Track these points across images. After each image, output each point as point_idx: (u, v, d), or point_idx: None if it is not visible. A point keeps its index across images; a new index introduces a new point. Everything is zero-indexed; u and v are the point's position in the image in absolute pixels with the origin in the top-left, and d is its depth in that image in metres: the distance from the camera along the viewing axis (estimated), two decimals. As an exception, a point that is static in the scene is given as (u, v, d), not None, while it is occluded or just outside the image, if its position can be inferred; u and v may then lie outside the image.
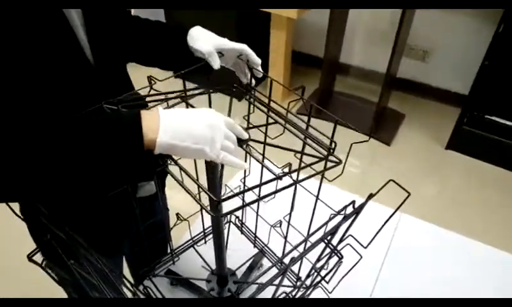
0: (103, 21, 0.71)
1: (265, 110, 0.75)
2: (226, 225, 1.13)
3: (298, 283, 1.00)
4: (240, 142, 0.64)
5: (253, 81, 0.85)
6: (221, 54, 0.82)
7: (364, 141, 0.67)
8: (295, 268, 1.02)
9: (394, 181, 0.60)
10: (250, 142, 0.68)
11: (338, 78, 3.09)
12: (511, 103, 2.38)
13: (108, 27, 0.73)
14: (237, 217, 1.17)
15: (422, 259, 1.14)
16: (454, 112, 2.68)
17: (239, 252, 1.08)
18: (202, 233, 1.12)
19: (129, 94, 0.69)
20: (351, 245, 0.68)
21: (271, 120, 0.76)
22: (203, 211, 1.02)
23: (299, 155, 0.71)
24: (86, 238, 0.66)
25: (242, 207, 0.62)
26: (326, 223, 0.66)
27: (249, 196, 1.09)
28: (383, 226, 0.62)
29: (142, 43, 0.86)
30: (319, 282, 0.77)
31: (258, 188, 0.97)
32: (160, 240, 1.04)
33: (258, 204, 1.04)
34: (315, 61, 3.18)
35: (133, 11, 0.90)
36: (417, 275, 1.10)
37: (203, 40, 0.81)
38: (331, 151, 0.66)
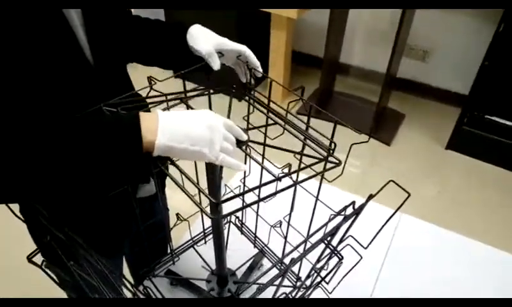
0: (103, 21, 0.71)
1: (265, 111, 0.75)
2: (226, 225, 1.13)
3: (298, 283, 0.99)
4: (240, 143, 0.64)
5: (253, 81, 0.85)
6: (220, 54, 0.81)
7: (364, 142, 0.67)
8: (295, 268, 1.02)
9: (394, 182, 0.60)
10: (250, 143, 0.68)
11: (338, 78, 3.09)
12: (511, 103, 2.38)
13: (108, 27, 0.73)
14: (237, 217, 1.17)
15: (422, 259, 1.14)
16: (454, 112, 2.68)
17: (239, 252, 1.08)
18: (202, 233, 1.12)
19: (129, 94, 0.69)
20: (351, 246, 0.68)
21: (270, 121, 0.76)
22: (205, 207, 1.02)
23: (299, 156, 0.70)
24: (86, 238, 0.66)
25: (242, 209, 0.62)
26: (326, 224, 0.66)
27: (249, 196, 1.09)
28: (382, 226, 0.62)
29: (142, 42, 0.86)
30: (319, 283, 0.77)
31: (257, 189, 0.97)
32: (160, 240, 1.04)
33: (258, 205, 1.03)
34: (315, 61, 3.17)
35: (133, 11, 0.89)
36: (417, 276, 1.10)
37: (203, 40, 0.80)
38: (331, 152, 0.66)
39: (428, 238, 1.21)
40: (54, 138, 0.52)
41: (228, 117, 0.77)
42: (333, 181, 0.74)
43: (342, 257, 0.72)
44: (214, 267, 0.98)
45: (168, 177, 0.99)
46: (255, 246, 1.12)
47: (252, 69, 0.83)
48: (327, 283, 0.77)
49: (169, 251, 1.05)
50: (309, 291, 0.79)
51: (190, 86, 0.75)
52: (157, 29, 0.86)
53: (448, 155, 2.64)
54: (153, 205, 1.00)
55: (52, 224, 0.62)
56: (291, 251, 0.63)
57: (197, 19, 0.92)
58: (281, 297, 0.73)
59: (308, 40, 3.27)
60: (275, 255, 1.08)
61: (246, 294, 0.99)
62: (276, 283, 0.63)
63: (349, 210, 0.64)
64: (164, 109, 0.71)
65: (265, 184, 0.60)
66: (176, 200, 1.23)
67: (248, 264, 1.06)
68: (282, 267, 1.03)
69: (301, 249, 0.81)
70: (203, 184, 0.73)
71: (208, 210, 0.90)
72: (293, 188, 0.66)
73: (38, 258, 0.58)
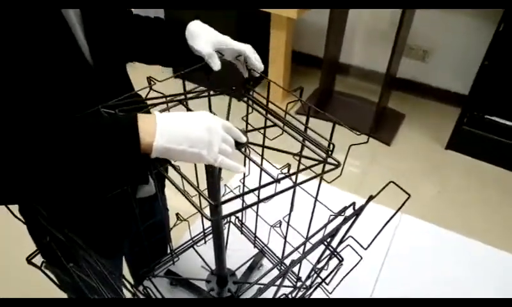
0: (101, 21, 0.71)
1: (264, 112, 0.75)
2: (226, 225, 1.13)
3: (298, 284, 0.99)
4: (239, 145, 0.64)
5: (255, 73, 0.84)
6: (220, 53, 0.81)
7: (363, 143, 0.67)
8: (295, 268, 1.02)
9: (394, 183, 0.60)
10: (249, 144, 0.67)
11: (338, 78, 3.09)
12: (511, 103, 2.38)
13: (107, 27, 0.73)
14: (237, 217, 1.17)
15: (422, 259, 1.14)
16: (454, 112, 2.68)
17: (238, 252, 1.08)
18: (202, 233, 1.11)
19: (128, 95, 0.69)
20: (351, 247, 0.68)
21: (269, 122, 0.76)
22: (204, 211, 1.02)
23: (298, 157, 0.70)
24: (85, 238, 0.66)
25: (242, 210, 0.62)
26: (326, 225, 0.66)
27: (249, 197, 1.09)
28: (382, 228, 0.62)
29: (141, 41, 0.85)
30: (320, 284, 0.77)
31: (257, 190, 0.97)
32: (160, 240, 1.04)
33: (258, 206, 1.03)
34: (315, 60, 3.17)
35: (133, 10, 0.89)
36: (417, 276, 1.10)
37: (203, 39, 0.79)
38: (330, 153, 0.65)
39: (428, 238, 1.20)
40: (52, 139, 0.52)
41: (228, 118, 0.77)
42: (333, 181, 0.74)
43: (342, 259, 0.72)
44: (213, 267, 0.98)
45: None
46: (254, 246, 1.12)
47: (251, 70, 0.83)
48: (327, 284, 0.77)
49: (169, 251, 1.05)
50: (309, 292, 0.79)
51: (190, 85, 0.75)
52: (156, 27, 0.85)
53: (448, 155, 2.64)
54: (153, 205, 1.00)
55: (52, 225, 0.62)
56: (291, 252, 0.63)
57: (197, 19, 0.91)
58: (282, 297, 0.73)
59: (308, 40, 3.27)
60: (275, 255, 1.08)
61: (246, 294, 0.99)
62: (277, 283, 0.63)
63: (349, 211, 0.63)
64: (163, 110, 0.71)
65: (265, 186, 0.60)
66: (176, 200, 1.23)
67: (247, 264, 1.06)
68: (282, 268, 1.03)
69: (301, 249, 0.81)
70: (204, 185, 0.73)
71: (207, 210, 0.90)
72: (292, 189, 0.66)
73: (38, 259, 0.58)
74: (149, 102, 0.71)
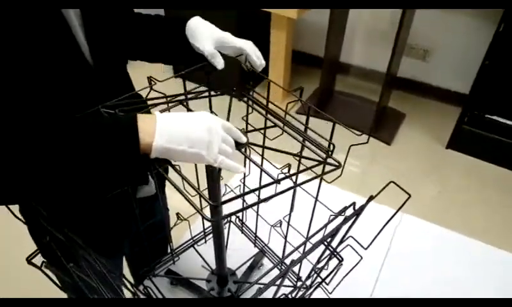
0: (102, 21, 0.71)
1: (264, 112, 0.75)
2: (227, 225, 1.13)
3: (298, 283, 0.99)
4: (239, 145, 0.64)
5: (258, 68, 0.83)
6: (221, 52, 0.80)
7: (363, 143, 0.67)
8: (295, 268, 1.02)
9: (395, 183, 0.60)
10: (250, 143, 0.67)
11: (339, 78, 3.09)
12: (511, 103, 2.38)
13: (107, 27, 0.73)
14: (238, 217, 1.17)
15: (423, 259, 1.14)
16: (454, 112, 2.68)
17: (239, 251, 1.08)
18: (202, 233, 1.12)
19: (129, 95, 0.69)
20: (351, 246, 0.68)
21: (269, 122, 0.76)
22: (204, 211, 1.02)
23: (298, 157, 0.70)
24: (86, 238, 0.66)
25: (242, 210, 0.62)
26: (326, 225, 0.66)
27: (249, 196, 1.09)
28: (382, 228, 0.62)
29: (142, 39, 0.85)
30: (320, 284, 0.77)
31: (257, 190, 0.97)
32: (161, 240, 1.04)
33: (258, 206, 1.03)
34: (316, 60, 3.17)
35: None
36: (418, 275, 1.10)
37: (204, 37, 0.79)
38: (330, 153, 0.65)
39: (428, 237, 1.20)
40: (52, 139, 0.52)
41: (228, 118, 0.77)
42: (333, 181, 0.74)
43: (342, 259, 0.72)
44: (214, 266, 0.98)
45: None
46: (255, 246, 1.12)
47: (250, 70, 0.82)
48: (327, 284, 0.77)
49: (169, 250, 1.05)
50: (309, 292, 0.79)
51: (190, 85, 0.75)
52: (157, 25, 0.85)
53: (448, 154, 2.64)
54: (153, 205, 1.00)
55: (52, 225, 0.62)
56: (291, 252, 0.63)
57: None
58: (282, 297, 0.73)
59: (308, 40, 3.27)
60: (275, 255, 1.08)
61: (246, 294, 0.99)
62: (277, 283, 0.63)
63: (349, 211, 0.63)
64: (163, 110, 0.71)
65: (265, 186, 0.60)
66: (176, 200, 1.23)
67: (248, 264, 1.06)
68: (283, 268, 1.03)
69: (301, 249, 0.81)
70: (204, 185, 0.73)
71: (208, 210, 0.90)
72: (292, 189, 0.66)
73: (38, 259, 0.58)
74: (149, 102, 0.71)
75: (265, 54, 2.81)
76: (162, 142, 0.54)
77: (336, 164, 0.64)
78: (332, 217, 0.66)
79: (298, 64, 3.24)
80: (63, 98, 0.64)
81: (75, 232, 0.65)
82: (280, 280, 0.64)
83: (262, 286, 0.61)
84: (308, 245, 0.63)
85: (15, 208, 0.67)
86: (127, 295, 0.80)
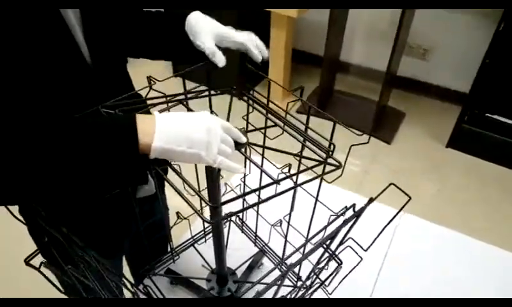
0: (101, 21, 0.71)
1: (264, 112, 0.75)
2: (227, 223, 1.13)
3: (299, 283, 0.99)
4: (239, 145, 0.64)
5: (259, 61, 0.81)
6: (220, 47, 0.78)
7: (363, 143, 0.67)
8: (295, 268, 1.02)
9: (395, 185, 0.60)
10: (250, 143, 0.67)
11: (339, 77, 3.09)
12: (511, 102, 2.38)
13: (106, 26, 0.72)
14: (238, 216, 1.17)
15: (423, 258, 1.14)
16: (454, 111, 2.68)
17: (239, 251, 1.08)
18: (202, 232, 1.11)
19: (128, 95, 0.69)
20: (351, 248, 0.68)
21: (270, 122, 0.75)
22: (204, 209, 1.02)
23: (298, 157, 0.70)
24: (86, 238, 0.66)
25: (243, 210, 0.62)
26: (326, 227, 0.66)
27: (249, 195, 1.09)
28: (382, 229, 0.62)
29: (141, 37, 0.84)
30: (319, 286, 0.77)
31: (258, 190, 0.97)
32: (160, 239, 1.04)
33: (258, 206, 1.03)
34: (316, 59, 3.17)
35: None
36: (418, 275, 1.10)
37: (204, 34, 0.77)
38: (330, 153, 0.65)
39: (428, 237, 1.20)
40: (51, 139, 0.52)
41: (228, 117, 0.77)
42: (334, 181, 0.74)
43: (341, 262, 0.72)
44: (214, 265, 0.98)
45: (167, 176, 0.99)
46: (255, 245, 1.12)
47: (249, 66, 0.80)
48: (326, 286, 0.77)
49: (169, 249, 1.05)
50: (309, 292, 0.79)
51: (190, 85, 0.75)
52: (156, 21, 0.83)
53: (448, 153, 2.64)
54: (153, 205, 1.00)
55: (51, 225, 0.62)
56: (292, 253, 0.63)
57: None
58: (282, 296, 0.73)
59: (308, 39, 3.27)
60: (275, 254, 1.08)
61: (247, 294, 0.99)
62: (277, 283, 0.63)
63: (349, 213, 0.63)
64: (163, 110, 0.70)
65: (265, 187, 0.59)
66: (176, 199, 1.23)
67: (248, 263, 1.06)
68: (283, 268, 1.03)
69: (301, 249, 0.81)
70: (204, 184, 0.73)
71: (208, 209, 0.90)
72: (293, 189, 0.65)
73: (38, 260, 0.58)
74: (149, 102, 0.71)
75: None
76: (161, 143, 0.54)
77: (337, 164, 0.64)
78: (332, 217, 0.66)
79: (298, 63, 3.24)
80: (62, 98, 0.64)
81: (75, 232, 0.65)
82: (280, 280, 0.64)
83: (262, 286, 0.61)
84: (309, 246, 0.63)
85: (15, 208, 0.67)
86: (127, 295, 0.80)
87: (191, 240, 1.09)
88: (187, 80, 0.78)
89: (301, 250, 0.87)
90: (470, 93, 2.43)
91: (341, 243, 0.68)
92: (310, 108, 0.70)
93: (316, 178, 0.64)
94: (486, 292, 1.06)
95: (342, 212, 0.68)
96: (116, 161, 0.54)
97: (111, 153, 0.53)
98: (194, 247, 1.09)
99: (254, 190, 0.60)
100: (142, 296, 0.95)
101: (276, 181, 0.58)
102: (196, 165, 0.79)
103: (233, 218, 1.17)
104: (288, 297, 0.81)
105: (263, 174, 0.66)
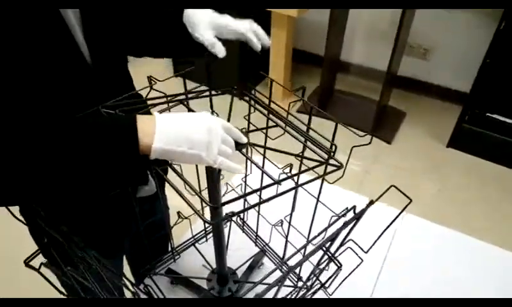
0: (100, 20, 0.70)
1: (265, 112, 0.75)
2: (228, 223, 1.13)
3: (299, 284, 0.99)
4: (239, 146, 0.64)
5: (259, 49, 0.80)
6: (219, 38, 0.77)
7: (365, 144, 0.67)
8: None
9: (396, 187, 0.60)
10: (251, 144, 0.67)
11: (339, 77, 3.09)
12: (512, 101, 2.38)
13: (106, 26, 0.72)
14: (239, 216, 1.17)
15: (423, 258, 1.14)
16: (455, 110, 2.68)
17: (240, 251, 1.08)
18: (203, 232, 1.11)
19: (129, 95, 0.69)
20: (352, 249, 0.68)
21: (271, 122, 0.75)
22: (205, 209, 1.01)
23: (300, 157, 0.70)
24: (86, 238, 0.66)
25: (243, 211, 0.62)
26: (326, 229, 0.66)
27: (250, 196, 1.09)
28: (383, 232, 0.62)
29: (140, 33, 0.83)
30: (319, 288, 0.77)
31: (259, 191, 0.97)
32: (161, 239, 1.04)
33: (259, 207, 1.03)
34: (316, 59, 3.17)
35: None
36: (418, 275, 1.09)
37: (202, 25, 0.76)
38: (332, 154, 0.65)
39: (429, 237, 1.20)
40: (51, 140, 0.52)
41: (229, 117, 0.77)
42: (335, 182, 0.74)
43: (341, 265, 0.72)
44: (214, 265, 0.98)
45: (167, 176, 0.99)
46: (256, 245, 1.12)
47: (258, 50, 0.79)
48: (326, 288, 0.77)
49: (170, 249, 1.05)
50: (309, 293, 0.79)
51: (191, 84, 0.75)
52: (154, 17, 0.81)
53: (449, 153, 2.63)
54: (153, 204, 1.00)
55: (51, 226, 0.62)
56: (293, 254, 0.63)
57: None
58: (282, 297, 0.73)
59: (308, 38, 3.27)
60: (276, 254, 1.08)
61: (247, 294, 0.99)
62: (274, 281, 0.63)
63: (350, 214, 0.63)
64: (164, 110, 0.70)
65: (266, 187, 0.60)
66: (177, 198, 1.23)
67: (248, 263, 1.06)
68: (284, 268, 1.03)
69: (302, 250, 0.81)
70: (205, 184, 0.73)
71: (208, 210, 0.90)
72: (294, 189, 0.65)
73: (38, 261, 0.58)
74: (150, 102, 0.71)
75: (266, 53, 2.81)
76: (162, 144, 0.54)
77: (338, 164, 0.64)
78: (333, 218, 0.66)
79: (298, 63, 3.24)
80: (62, 98, 0.64)
81: (75, 232, 0.65)
82: (281, 280, 0.64)
83: (264, 287, 0.61)
84: (310, 247, 0.63)
85: (15, 208, 0.67)
86: (127, 295, 0.80)
87: (192, 239, 1.09)
88: (188, 80, 0.78)
89: (302, 251, 0.87)
90: (471, 93, 2.42)
91: (341, 244, 0.68)
92: (311, 108, 0.70)
93: (317, 178, 0.64)
94: (486, 292, 1.06)
95: (342, 213, 0.68)
96: (116, 162, 0.54)
97: (111, 154, 0.53)
98: (195, 247, 1.09)
99: (255, 191, 0.60)
100: (142, 295, 0.95)
101: (277, 182, 0.58)
102: (196, 165, 0.79)
103: (234, 218, 1.17)
104: (289, 297, 0.81)
105: (264, 175, 0.66)
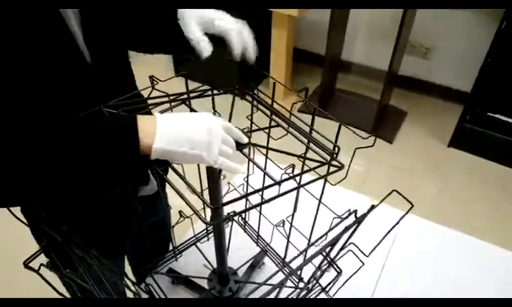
0: (100, 20, 0.70)
1: (268, 112, 0.74)
2: (229, 223, 1.13)
3: (300, 285, 0.99)
4: (240, 146, 0.64)
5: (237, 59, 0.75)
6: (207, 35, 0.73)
7: (369, 146, 0.67)
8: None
9: (397, 192, 0.60)
10: (253, 144, 0.67)
11: (340, 76, 3.09)
12: (513, 101, 2.38)
13: (105, 26, 0.71)
14: (240, 216, 1.17)
15: (424, 258, 1.14)
16: (456, 110, 2.67)
17: (241, 251, 1.08)
18: (205, 231, 1.11)
19: (130, 95, 0.69)
20: (353, 252, 0.68)
21: (274, 122, 0.75)
22: (205, 208, 1.01)
23: (302, 158, 0.70)
24: (88, 238, 0.66)
25: (245, 211, 0.62)
26: (327, 232, 0.66)
27: (252, 195, 1.08)
28: (385, 236, 0.62)
29: (138, 32, 0.82)
30: (320, 292, 0.77)
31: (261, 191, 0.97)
32: (162, 238, 1.04)
33: (261, 207, 1.03)
34: (317, 58, 3.17)
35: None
36: (419, 275, 1.09)
37: (192, 21, 0.73)
38: (335, 156, 0.65)
39: (430, 236, 1.20)
40: (52, 140, 0.52)
41: (230, 117, 0.77)
42: (337, 183, 0.74)
43: (341, 271, 0.72)
44: (215, 265, 0.98)
45: (168, 175, 0.99)
46: (257, 245, 1.12)
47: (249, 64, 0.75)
48: (327, 292, 0.77)
49: (171, 248, 1.05)
50: (310, 295, 0.79)
51: (192, 84, 0.75)
52: (150, 14, 0.79)
53: (450, 152, 2.63)
54: (155, 203, 1.00)
55: (51, 227, 0.62)
56: (295, 258, 0.63)
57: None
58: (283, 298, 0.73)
59: (309, 38, 3.26)
60: (277, 255, 1.08)
61: (250, 295, 0.99)
62: (278, 283, 0.63)
63: (351, 218, 0.63)
64: (166, 110, 0.70)
65: (268, 187, 0.59)
66: (179, 197, 1.23)
67: (249, 263, 1.06)
68: (285, 270, 1.03)
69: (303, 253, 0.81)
70: (207, 184, 0.73)
71: (209, 211, 0.90)
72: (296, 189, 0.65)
73: (40, 260, 0.58)
74: (152, 102, 0.71)
75: (267, 52, 2.81)
76: (163, 144, 0.54)
77: (340, 165, 0.64)
78: (334, 220, 0.66)
79: (299, 62, 3.23)
80: (63, 99, 0.64)
81: (76, 231, 0.65)
82: (282, 280, 0.64)
83: (265, 288, 0.61)
84: (311, 249, 0.63)
85: (16, 208, 0.67)
86: (129, 294, 0.80)
87: (194, 238, 1.09)
88: (190, 80, 0.78)
89: (303, 254, 0.86)
90: (472, 92, 2.42)
91: (342, 248, 0.68)
92: (315, 110, 0.70)
93: (319, 178, 0.64)
94: (487, 292, 1.06)
95: (344, 216, 0.68)
96: (117, 162, 0.54)
97: (112, 154, 0.53)
98: (196, 246, 1.09)
99: (257, 191, 0.60)
100: (144, 294, 0.95)
101: (278, 183, 0.58)
102: (198, 164, 0.79)
103: (235, 217, 1.17)
104: (290, 298, 0.81)
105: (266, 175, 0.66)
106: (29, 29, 0.56)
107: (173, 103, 0.72)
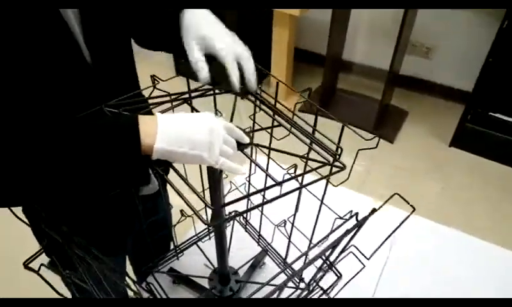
0: (100, 20, 0.70)
1: (271, 112, 0.74)
2: (231, 222, 1.13)
3: (301, 285, 0.99)
4: (241, 146, 0.64)
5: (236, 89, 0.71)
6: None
7: (371, 148, 0.67)
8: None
9: (399, 195, 0.60)
10: (256, 143, 0.67)
11: (341, 76, 3.08)
12: (515, 101, 2.37)
13: (105, 26, 0.71)
14: (242, 215, 1.17)
15: (425, 257, 1.14)
16: (457, 109, 2.67)
17: (242, 250, 1.08)
18: (206, 230, 1.11)
19: (131, 94, 0.68)
20: (353, 254, 0.68)
21: (276, 122, 0.75)
22: (207, 208, 1.01)
23: (304, 158, 0.70)
24: (89, 237, 0.66)
25: (246, 211, 0.62)
26: (328, 235, 0.65)
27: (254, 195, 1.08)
28: (386, 240, 0.62)
29: (138, 31, 0.82)
30: (321, 295, 0.77)
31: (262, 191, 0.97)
32: (163, 237, 1.04)
33: (263, 207, 1.03)
34: (318, 58, 3.16)
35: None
36: (420, 275, 1.09)
37: (190, 36, 0.70)
38: (337, 157, 0.65)
39: (430, 236, 1.20)
40: (53, 140, 0.52)
41: (232, 118, 0.77)
42: (340, 184, 0.74)
43: (341, 275, 0.72)
44: (216, 264, 0.98)
45: (169, 175, 0.99)
46: (258, 244, 1.12)
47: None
48: (327, 294, 0.77)
49: (172, 247, 1.05)
50: (310, 296, 0.79)
51: (194, 84, 0.75)
52: (152, 15, 0.78)
53: (451, 152, 2.63)
54: (156, 202, 1.00)
55: (51, 228, 0.62)
56: (296, 259, 0.63)
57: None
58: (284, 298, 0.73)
59: (310, 37, 3.26)
60: (278, 255, 1.08)
61: (249, 294, 0.99)
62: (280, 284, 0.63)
63: (352, 221, 0.63)
64: (167, 109, 0.70)
65: (269, 187, 0.59)
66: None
67: (250, 262, 1.06)
68: (286, 271, 1.03)
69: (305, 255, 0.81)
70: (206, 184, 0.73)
71: (209, 212, 0.90)
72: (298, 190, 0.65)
73: (40, 260, 0.58)
74: (153, 101, 0.71)
75: (268, 52, 2.81)
76: (164, 144, 0.54)
77: (341, 165, 0.64)
78: (336, 222, 0.66)
79: (300, 62, 3.23)
80: (63, 99, 0.64)
81: (77, 230, 0.65)
82: (283, 281, 0.64)
83: (266, 288, 0.61)
84: (312, 251, 0.63)
85: (17, 208, 0.67)
86: (130, 294, 0.80)
87: (195, 237, 1.09)
88: (191, 80, 0.78)
89: (304, 256, 0.86)
90: (473, 92, 2.42)
91: (343, 250, 0.68)
92: (317, 110, 0.69)
93: (321, 179, 0.64)
94: (488, 292, 1.05)
95: (345, 219, 0.68)
96: (118, 162, 0.54)
97: (113, 154, 0.53)
98: (198, 246, 1.09)
99: (259, 191, 0.60)
100: (144, 294, 0.95)
101: (279, 183, 0.58)
102: (200, 166, 0.79)
103: (237, 217, 1.17)
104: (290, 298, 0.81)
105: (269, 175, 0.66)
106: (29, 29, 0.56)
107: (174, 103, 0.72)
